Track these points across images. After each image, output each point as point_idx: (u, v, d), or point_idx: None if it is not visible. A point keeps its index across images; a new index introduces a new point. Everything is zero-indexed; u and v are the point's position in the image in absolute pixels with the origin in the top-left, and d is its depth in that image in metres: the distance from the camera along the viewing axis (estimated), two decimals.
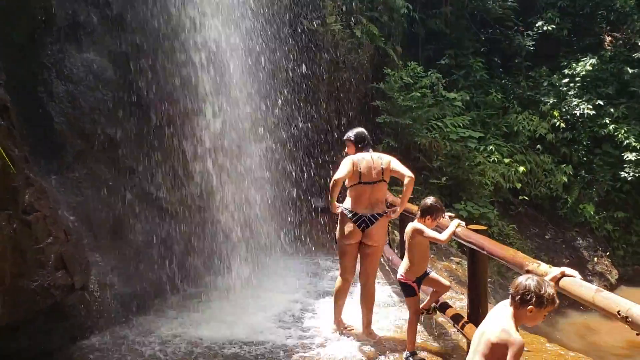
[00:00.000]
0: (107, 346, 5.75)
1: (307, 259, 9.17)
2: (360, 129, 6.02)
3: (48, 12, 6.19)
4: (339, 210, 5.73)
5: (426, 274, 5.27)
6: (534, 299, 3.06)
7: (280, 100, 10.86)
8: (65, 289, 5.02)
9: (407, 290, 5.25)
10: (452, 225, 5.05)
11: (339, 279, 5.97)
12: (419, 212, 5.12)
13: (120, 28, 6.84)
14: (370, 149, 5.84)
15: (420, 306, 5.39)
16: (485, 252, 4.59)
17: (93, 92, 6.36)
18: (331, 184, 5.51)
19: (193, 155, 7.28)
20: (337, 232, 5.81)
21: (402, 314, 6.60)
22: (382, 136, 14.67)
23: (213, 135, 7.55)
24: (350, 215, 5.63)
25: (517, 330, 3.13)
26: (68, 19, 6.35)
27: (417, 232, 5.04)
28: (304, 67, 12.30)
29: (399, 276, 5.30)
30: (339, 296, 5.96)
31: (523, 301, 3.07)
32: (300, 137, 12.11)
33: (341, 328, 6.00)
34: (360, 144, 5.81)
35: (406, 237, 5.20)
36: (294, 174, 11.33)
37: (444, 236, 5.02)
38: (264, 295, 7.14)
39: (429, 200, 5.14)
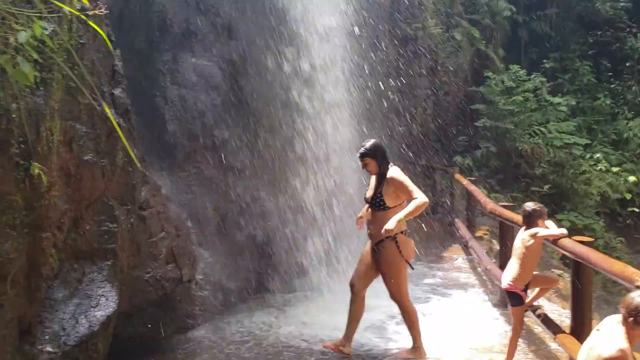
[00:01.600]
0: (209, 338, 6.02)
1: None
2: (375, 141, 5.27)
3: (164, 21, 6.61)
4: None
5: None
6: None
7: (375, 104, 10.91)
8: (174, 281, 5.34)
9: (515, 299, 5.04)
10: (559, 230, 4.90)
11: (410, 303, 5.31)
12: (526, 220, 4.98)
13: (229, 36, 7.18)
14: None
15: (526, 301, 5.20)
16: (590, 265, 4.42)
17: (203, 96, 6.73)
18: (423, 203, 4.83)
19: (294, 160, 7.47)
20: (406, 255, 5.10)
21: (497, 328, 6.45)
22: (480, 141, 14.42)
23: (313, 141, 7.72)
24: (409, 235, 5.19)
25: (632, 351, 3.00)
26: (182, 27, 6.75)
27: (533, 236, 4.88)
28: (401, 70, 12.31)
29: (505, 285, 5.05)
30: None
31: (637, 322, 2.93)
32: (396, 141, 12.09)
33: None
34: (382, 158, 5.17)
35: (521, 244, 4.94)
36: None
37: (557, 230, 4.85)
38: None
39: (530, 205, 5.00)
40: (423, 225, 11.17)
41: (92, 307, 4.16)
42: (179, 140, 6.49)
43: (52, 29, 3.78)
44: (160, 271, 5.14)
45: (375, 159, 5.14)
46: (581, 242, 4.77)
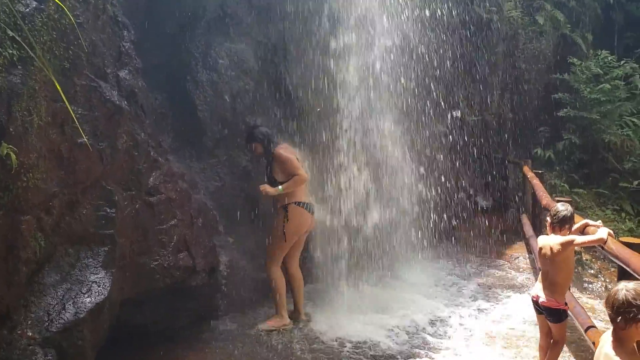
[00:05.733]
0: (233, 330, 5.85)
1: (450, 263, 8.53)
2: (259, 127, 6.04)
3: (199, 3, 6.45)
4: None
5: None
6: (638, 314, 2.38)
7: (442, 91, 10.32)
8: (186, 270, 5.18)
9: (559, 315, 4.42)
10: (604, 231, 4.27)
11: (277, 274, 5.92)
12: (556, 224, 4.37)
13: (268, 19, 6.92)
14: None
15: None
16: (630, 271, 3.81)
17: (235, 82, 6.52)
18: (298, 179, 5.74)
19: (335, 149, 7.09)
20: (291, 225, 5.81)
21: None
22: (563, 132, 13.39)
23: (358, 129, 7.32)
24: (305, 206, 5.92)
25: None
26: (217, 10, 6.56)
27: (568, 243, 4.30)
28: (473, 57, 11.62)
29: (543, 300, 4.42)
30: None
31: (627, 320, 2.40)
32: (467, 132, 11.44)
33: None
34: (268, 142, 5.91)
35: (549, 253, 4.37)
36: (455, 170, 10.75)
37: (598, 235, 4.22)
38: (395, 297, 6.80)
39: (565, 208, 4.40)
40: (488, 221, 10.53)
41: (83, 293, 4.05)
42: (209, 126, 6.32)
43: (34, 5, 3.69)
44: (170, 259, 4.98)
45: (262, 143, 5.92)
46: (627, 244, 4.16)
